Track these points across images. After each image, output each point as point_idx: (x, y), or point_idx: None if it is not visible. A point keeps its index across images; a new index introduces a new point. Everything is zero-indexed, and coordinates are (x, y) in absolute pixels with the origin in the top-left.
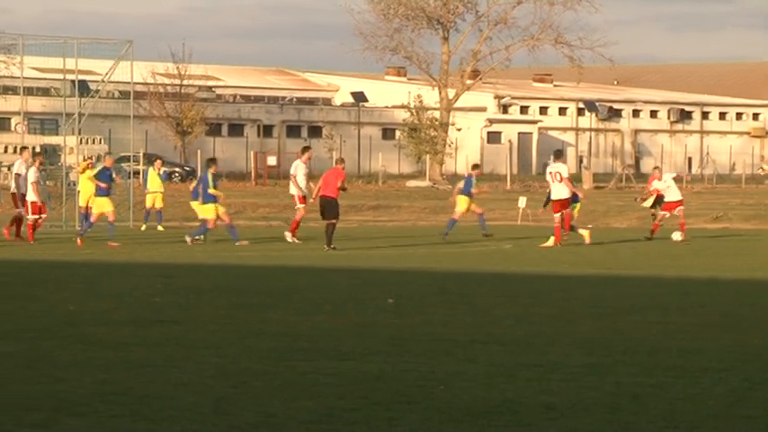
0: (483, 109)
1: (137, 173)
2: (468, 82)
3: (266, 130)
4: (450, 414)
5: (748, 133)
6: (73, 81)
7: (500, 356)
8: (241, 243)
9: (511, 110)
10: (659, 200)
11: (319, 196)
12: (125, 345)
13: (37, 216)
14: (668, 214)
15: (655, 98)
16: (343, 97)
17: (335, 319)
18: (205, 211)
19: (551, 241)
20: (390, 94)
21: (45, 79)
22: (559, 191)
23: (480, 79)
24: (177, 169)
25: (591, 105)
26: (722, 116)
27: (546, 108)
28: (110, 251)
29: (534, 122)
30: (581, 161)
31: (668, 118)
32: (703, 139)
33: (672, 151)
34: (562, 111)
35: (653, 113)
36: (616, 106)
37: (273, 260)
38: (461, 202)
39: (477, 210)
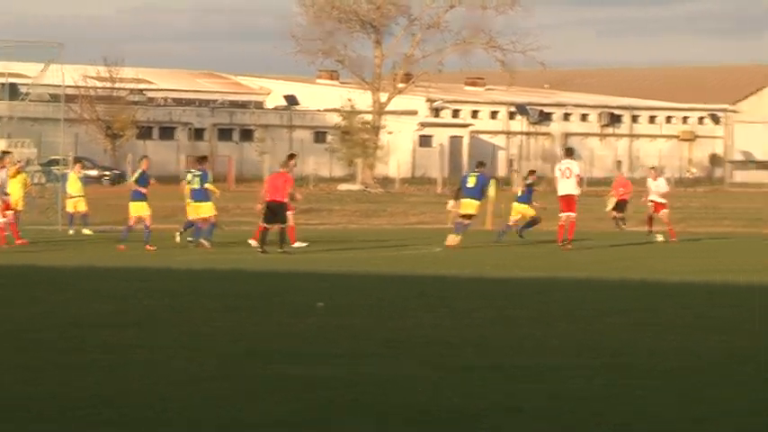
0: (415, 112)
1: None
2: (401, 85)
3: (197, 134)
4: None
5: (677, 137)
6: (2, 84)
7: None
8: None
9: (443, 113)
10: (620, 204)
11: (265, 201)
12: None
13: None
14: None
15: (585, 102)
16: (275, 100)
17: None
18: (205, 210)
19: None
20: (322, 98)
21: None
22: (565, 186)
23: (412, 83)
24: (107, 173)
25: (522, 109)
26: (652, 120)
27: (477, 111)
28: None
29: (466, 126)
30: (511, 165)
31: (599, 121)
32: (633, 143)
33: (602, 155)
34: (494, 114)
35: (583, 117)
36: (547, 110)
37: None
38: (521, 210)
39: (528, 214)
